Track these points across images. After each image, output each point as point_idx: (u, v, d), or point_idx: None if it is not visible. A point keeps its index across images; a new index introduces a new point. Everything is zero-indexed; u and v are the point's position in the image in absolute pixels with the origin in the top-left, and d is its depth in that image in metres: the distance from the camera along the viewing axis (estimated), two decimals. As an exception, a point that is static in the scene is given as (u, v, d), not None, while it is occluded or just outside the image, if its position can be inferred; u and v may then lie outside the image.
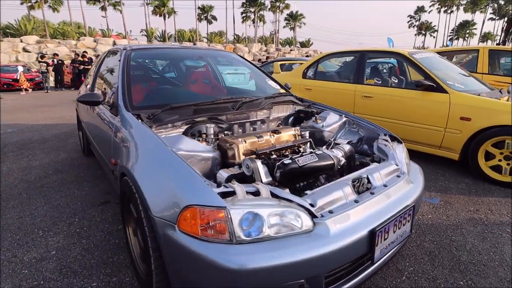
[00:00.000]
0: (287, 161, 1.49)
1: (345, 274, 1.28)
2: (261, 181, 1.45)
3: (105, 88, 2.86)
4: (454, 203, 2.70)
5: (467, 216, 2.46)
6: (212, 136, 1.91)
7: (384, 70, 5.59)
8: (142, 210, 1.37)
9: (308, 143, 1.87)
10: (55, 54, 15.89)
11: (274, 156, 1.66)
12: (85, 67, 14.33)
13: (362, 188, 1.50)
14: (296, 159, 1.52)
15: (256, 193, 1.25)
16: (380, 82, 4.32)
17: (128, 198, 1.57)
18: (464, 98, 3.27)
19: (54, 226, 2.34)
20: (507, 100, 3.35)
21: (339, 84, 4.55)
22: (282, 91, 2.96)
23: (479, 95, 3.34)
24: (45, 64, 14.08)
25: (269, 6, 46.60)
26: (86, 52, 16.90)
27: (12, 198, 2.83)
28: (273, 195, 1.25)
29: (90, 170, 3.54)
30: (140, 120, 1.85)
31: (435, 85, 3.46)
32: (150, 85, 2.64)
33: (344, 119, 2.44)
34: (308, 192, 1.38)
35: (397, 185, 1.56)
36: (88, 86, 3.62)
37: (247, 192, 1.23)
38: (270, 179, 1.49)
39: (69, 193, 2.93)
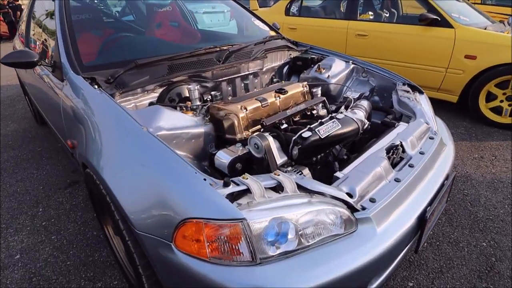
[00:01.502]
0: (306, 133, 1.14)
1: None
2: (276, 164, 1.10)
3: (44, 41, 2.18)
4: (457, 150, 2.57)
5: (474, 164, 2.35)
6: (199, 102, 1.47)
7: (377, 2, 5.02)
8: (119, 220, 1.01)
9: (321, 103, 1.50)
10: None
11: (285, 125, 1.29)
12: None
13: (397, 159, 1.21)
14: (316, 129, 1.17)
15: (278, 187, 0.91)
16: (373, 17, 3.83)
17: (98, 200, 1.19)
18: (470, 33, 2.93)
19: (13, 221, 1.93)
20: (508, 33, 3.07)
21: (328, 21, 3.99)
22: (272, 33, 2.44)
23: (485, 28, 3.01)
24: None
25: None
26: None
27: (-47, 188, 2.32)
28: (300, 187, 0.92)
29: (48, 143, 2.99)
30: (96, 86, 1.36)
31: (439, 19, 3.06)
32: (104, 34, 2.01)
33: (352, 66, 2.05)
34: (339, 174, 1.07)
35: (434, 150, 1.29)
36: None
37: (265, 188, 0.89)
38: (285, 158, 1.15)
39: (27, 175, 2.44)
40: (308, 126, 1.19)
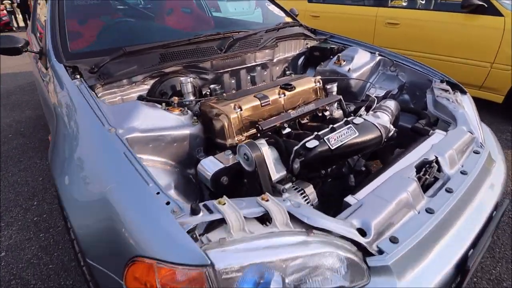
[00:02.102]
0: (311, 142, 0.90)
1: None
2: (269, 180, 0.88)
3: (42, 28, 2.06)
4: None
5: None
6: (192, 97, 1.27)
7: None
8: (74, 240, 0.83)
9: (337, 102, 1.24)
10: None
11: (288, 130, 1.05)
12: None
13: (430, 180, 0.94)
14: (325, 137, 0.93)
15: (265, 217, 0.69)
16: (406, 4, 3.41)
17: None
18: (525, 21, 2.48)
19: (7, 213, 1.86)
20: None
21: (354, 8, 3.62)
22: (288, 19, 2.17)
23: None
24: (10, 1, 12.18)
25: None
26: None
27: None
28: (295, 219, 0.69)
29: (56, 132, 2.94)
30: (79, 76, 1.19)
31: (486, 5, 2.62)
32: (104, 20, 1.85)
33: (378, 58, 1.75)
34: (350, 199, 0.82)
35: (480, 168, 1.00)
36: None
37: (246, 219, 0.67)
38: (284, 172, 0.91)
39: (30, 164, 2.39)
40: (316, 133, 0.94)
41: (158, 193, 0.69)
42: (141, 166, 0.75)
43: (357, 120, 1.03)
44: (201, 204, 0.69)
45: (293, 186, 0.94)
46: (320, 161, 0.92)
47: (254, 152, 0.86)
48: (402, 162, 0.98)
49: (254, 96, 1.09)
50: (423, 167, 0.94)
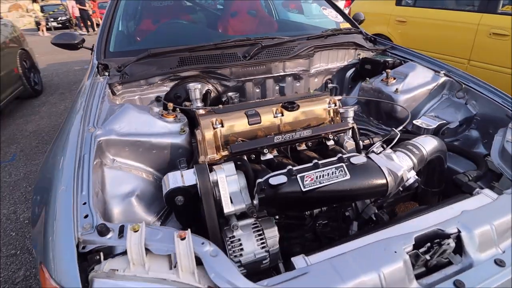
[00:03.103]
0: (277, 178, 0.74)
1: None
2: (223, 209, 0.76)
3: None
4: None
5: None
6: (199, 104, 1.23)
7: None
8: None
9: (350, 130, 1.01)
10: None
11: (270, 156, 0.90)
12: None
13: (435, 261, 0.67)
14: (298, 175, 0.76)
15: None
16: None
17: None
18: None
19: None
20: None
21: (451, 14, 3.00)
22: (345, 25, 1.92)
23: None
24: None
25: None
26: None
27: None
28: (203, 271, 0.57)
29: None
30: (106, 74, 1.30)
31: None
32: (154, 21, 1.99)
33: (443, 79, 1.38)
34: (299, 261, 0.64)
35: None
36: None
37: (153, 254, 0.58)
38: (243, 205, 0.78)
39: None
40: (289, 167, 0.78)
41: (84, 203, 0.67)
42: (89, 172, 0.75)
43: (357, 159, 0.81)
44: (118, 225, 0.64)
45: (254, 224, 0.80)
46: (285, 202, 0.76)
47: (201, 177, 0.76)
48: (404, 225, 0.72)
49: (244, 113, 0.98)
50: (430, 240, 0.67)
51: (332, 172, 0.78)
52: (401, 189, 0.85)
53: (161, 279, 0.56)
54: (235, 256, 0.74)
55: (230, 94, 1.40)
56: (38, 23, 12.82)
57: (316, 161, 0.80)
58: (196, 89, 1.23)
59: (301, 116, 1.03)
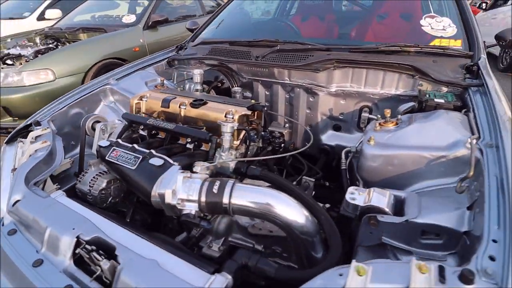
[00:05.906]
0: (103, 142, 0.95)
1: None
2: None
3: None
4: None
5: None
6: (199, 87, 1.48)
7: None
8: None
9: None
10: None
11: (142, 133, 1.07)
12: None
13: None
14: (114, 146, 0.92)
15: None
16: None
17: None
18: None
19: None
20: None
21: None
22: (443, 43, 1.30)
23: None
24: None
25: None
26: None
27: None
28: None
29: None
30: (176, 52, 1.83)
31: None
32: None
33: (464, 151, 0.78)
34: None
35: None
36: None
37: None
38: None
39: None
40: (135, 145, 0.92)
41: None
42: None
43: (154, 161, 0.84)
44: None
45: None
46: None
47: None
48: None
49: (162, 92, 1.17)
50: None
51: (130, 158, 0.87)
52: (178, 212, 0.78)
53: None
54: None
55: (234, 88, 1.51)
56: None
57: (134, 145, 0.91)
58: (197, 74, 1.46)
59: (201, 116, 1.06)
